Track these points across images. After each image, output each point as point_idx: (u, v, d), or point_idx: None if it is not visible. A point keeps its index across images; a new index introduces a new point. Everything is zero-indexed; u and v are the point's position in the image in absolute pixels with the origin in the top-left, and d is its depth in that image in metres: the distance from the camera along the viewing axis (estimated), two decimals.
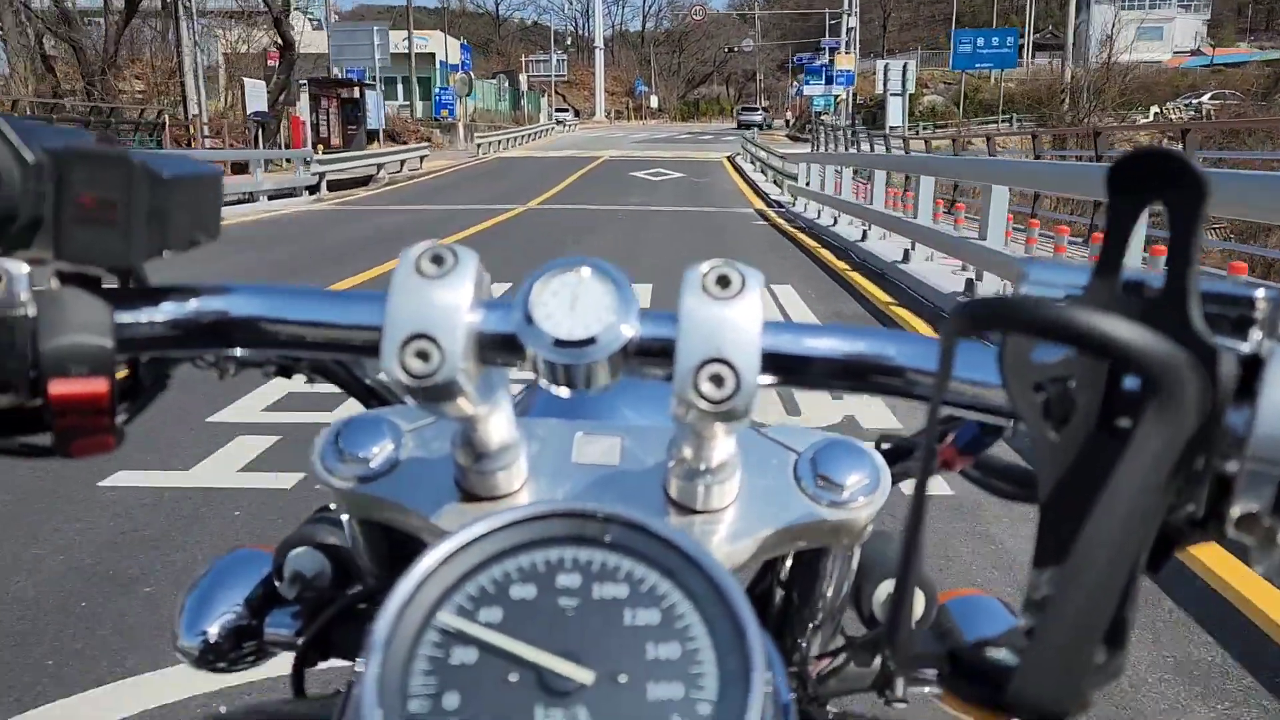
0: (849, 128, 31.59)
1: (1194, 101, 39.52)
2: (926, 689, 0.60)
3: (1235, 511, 0.32)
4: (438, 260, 0.40)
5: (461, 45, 46.52)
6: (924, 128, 37.78)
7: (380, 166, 22.25)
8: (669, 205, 16.74)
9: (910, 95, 36.48)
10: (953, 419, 0.53)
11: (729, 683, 0.37)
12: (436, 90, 40.89)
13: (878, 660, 0.62)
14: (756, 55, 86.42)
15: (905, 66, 36.11)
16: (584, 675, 0.37)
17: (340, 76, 30.19)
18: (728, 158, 32.70)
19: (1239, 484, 0.32)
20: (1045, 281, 0.39)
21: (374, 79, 32.12)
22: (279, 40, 24.57)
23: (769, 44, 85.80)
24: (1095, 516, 0.27)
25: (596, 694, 0.36)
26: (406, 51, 40.33)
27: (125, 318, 0.45)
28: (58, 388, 0.42)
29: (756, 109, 67.97)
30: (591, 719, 0.36)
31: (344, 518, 0.57)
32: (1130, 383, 0.34)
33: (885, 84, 36.30)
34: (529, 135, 43.60)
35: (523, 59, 56.64)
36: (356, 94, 29.84)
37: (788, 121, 59.63)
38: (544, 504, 0.42)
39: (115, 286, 0.46)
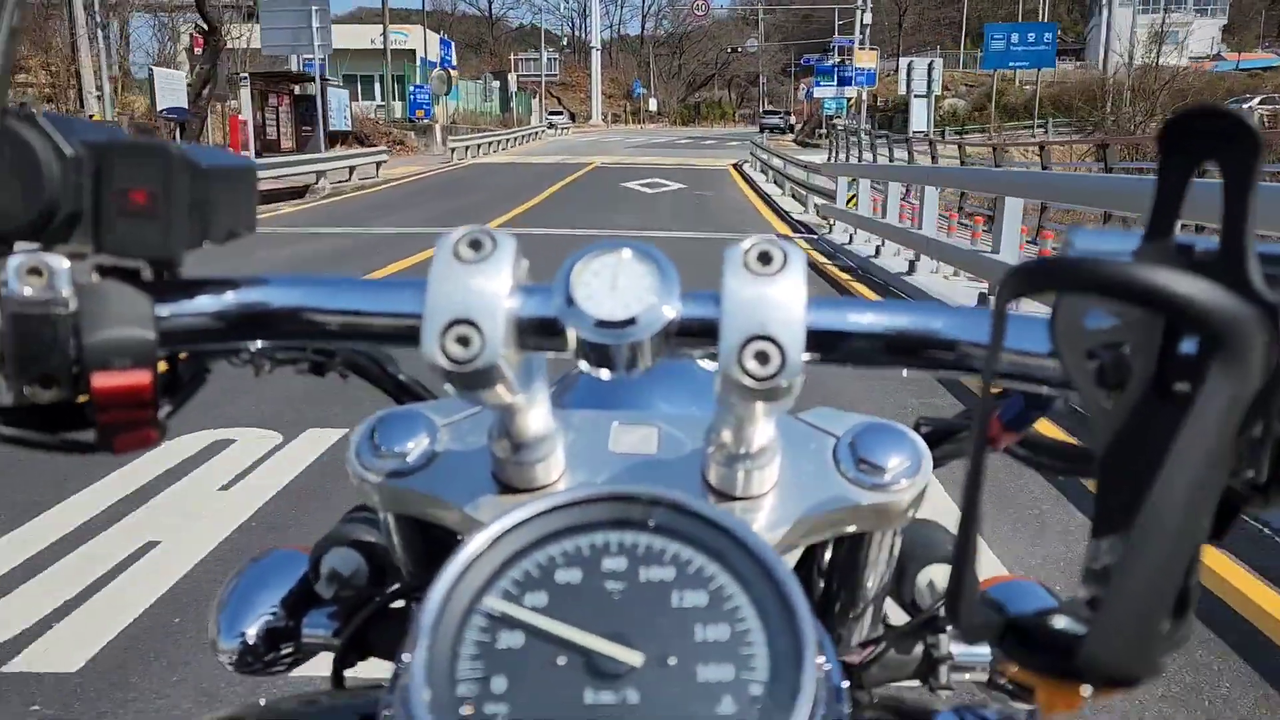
0: (867, 132, 28.19)
1: (1244, 107, 36.09)
2: (969, 676, 0.63)
3: None
4: (476, 245, 0.40)
5: (441, 40, 42.86)
6: (952, 132, 34.03)
7: (321, 175, 18.40)
8: (666, 228, 13.20)
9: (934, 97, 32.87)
10: (998, 396, 0.52)
11: (780, 663, 0.37)
12: (411, 89, 37.20)
13: (920, 648, 0.63)
14: (760, 57, 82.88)
15: (931, 65, 32.48)
16: (633, 657, 0.37)
17: (299, 70, 26.48)
18: (734, 166, 28.99)
19: None
20: (1092, 247, 0.38)
21: (338, 74, 28.43)
22: (203, 24, 20.81)
23: (772, 45, 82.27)
24: (1161, 481, 0.27)
25: (646, 676, 0.36)
26: (383, 47, 36.73)
27: (166, 310, 0.45)
28: (101, 380, 0.41)
29: (778, 112, 65.69)
30: (642, 701, 0.36)
31: (381, 514, 0.57)
32: (1187, 345, 0.33)
33: (909, 84, 32.65)
34: (515, 139, 39.86)
35: (511, 57, 52.96)
36: (313, 90, 26.19)
37: (791, 126, 56.09)
38: (587, 488, 0.42)
39: (154, 280, 0.46)
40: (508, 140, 37.67)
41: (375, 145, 31.96)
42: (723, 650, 0.37)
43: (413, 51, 41.96)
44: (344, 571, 0.63)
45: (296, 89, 26.43)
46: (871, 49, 42.36)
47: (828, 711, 0.38)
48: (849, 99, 43.96)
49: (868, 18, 41.23)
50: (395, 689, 0.40)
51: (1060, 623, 0.31)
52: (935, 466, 0.51)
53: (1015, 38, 32.16)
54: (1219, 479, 0.28)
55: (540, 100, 57.85)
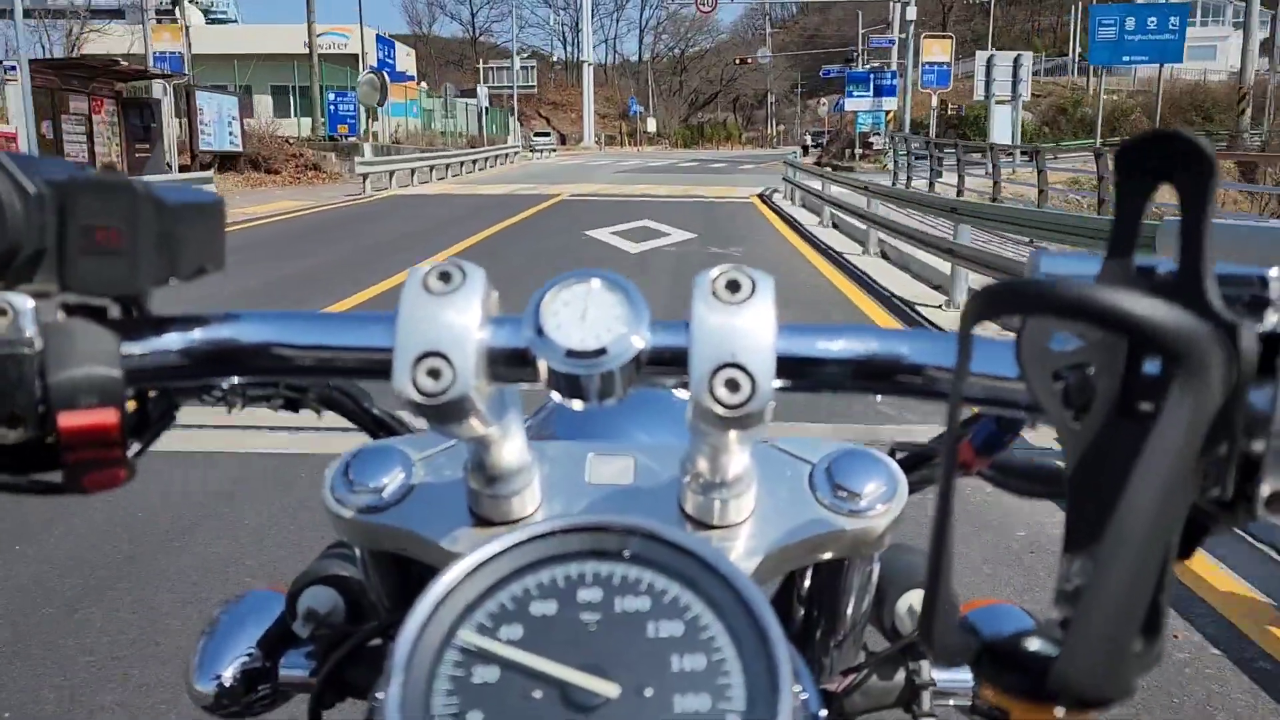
0: (935, 144, 20.52)
1: None
2: (952, 702, 0.63)
3: (1265, 490, 0.32)
4: (445, 277, 0.40)
5: (378, 38, 34.70)
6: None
7: None
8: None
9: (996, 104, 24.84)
10: (969, 420, 0.53)
11: (757, 692, 0.37)
12: (330, 99, 29.13)
13: (902, 674, 0.64)
14: (769, 74, 75.23)
15: (1018, 61, 24.46)
16: (609, 689, 0.37)
17: (129, 66, 18.28)
18: (759, 197, 20.67)
19: (1267, 462, 0.32)
20: (1057, 270, 0.39)
21: (262, 84, 20.45)
22: None
23: (780, 60, 74.57)
24: (1126, 499, 0.27)
25: (622, 708, 0.36)
26: (308, 50, 28.73)
27: (133, 348, 0.44)
28: (67, 420, 0.41)
29: (822, 131, 59.46)
30: None
31: (356, 551, 0.57)
32: (1150, 366, 0.33)
33: (987, 86, 24.66)
34: (474, 162, 31.61)
35: (480, 66, 44.97)
36: (156, 93, 18.10)
37: (805, 148, 48.39)
38: (561, 519, 0.42)
39: (121, 318, 0.45)
40: (463, 164, 29.36)
41: (279, 172, 23.71)
42: (699, 680, 0.37)
43: (355, 57, 33.98)
44: (321, 610, 0.63)
45: (123, 89, 18.27)
46: (945, 36, 34.19)
47: None
48: (887, 112, 36.03)
49: (911, 10, 33.21)
50: None
51: (1034, 645, 0.31)
52: (912, 491, 0.52)
53: (1131, 22, 23.90)
54: (1184, 497, 0.28)
55: (516, 115, 49.81)
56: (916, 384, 0.44)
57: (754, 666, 0.37)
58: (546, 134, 62.62)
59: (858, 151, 37.59)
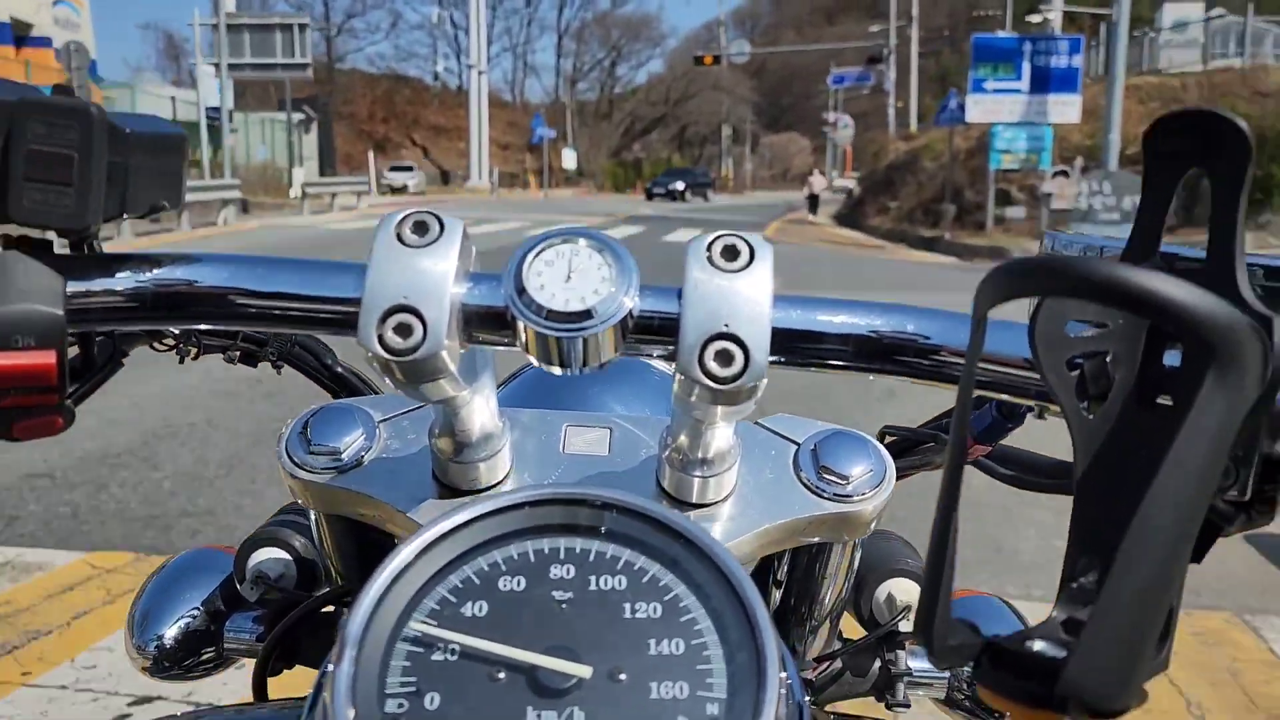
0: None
1: None
2: (922, 693, 0.62)
3: None
4: (421, 227, 0.38)
5: None
6: None
7: None
8: None
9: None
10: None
11: (740, 680, 0.35)
12: None
13: (877, 664, 0.63)
14: (725, 103, 55.92)
15: None
16: (580, 670, 0.35)
17: None
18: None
19: None
20: (1075, 250, 0.37)
21: None
22: None
23: (738, 76, 55.39)
24: (1149, 499, 0.26)
25: (593, 692, 0.34)
26: None
27: (78, 286, 0.41)
28: (1, 360, 0.38)
29: (691, 171, 45.44)
30: (589, 719, 0.34)
31: (311, 514, 0.54)
32: (1170, 358, 0.33)
33: None
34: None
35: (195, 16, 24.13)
36: None
37: (813, 198, 29.16)
38: (533, 489, 0.40)
39: (67, 254, 0.43)
40: None
41: None
42: (678, 665, 0.35)
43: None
44: (271, 574, 0.60)
45: None
46: None
47: None
48: (1053, 126, 16.45)
49: None
50: (317, 703, 0.38)
51: (1039, 646, 0.29)
52: (899, 477, 0.50)
53: None
54: (1208, 496, 0.27)
55: (288, 124, 28.43)
56: (922, 365, 0.43)
57: (738, 653, 0.35)
58: (408, 168, 42.12)
59: (992, 213, 17.68)
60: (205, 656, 0.63)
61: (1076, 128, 17.41)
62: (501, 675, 0.34)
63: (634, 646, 0.35)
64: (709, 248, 0.38)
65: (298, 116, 29.89)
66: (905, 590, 0.64)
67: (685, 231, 20.25)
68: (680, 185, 41.33)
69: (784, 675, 0.36)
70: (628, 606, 0.36)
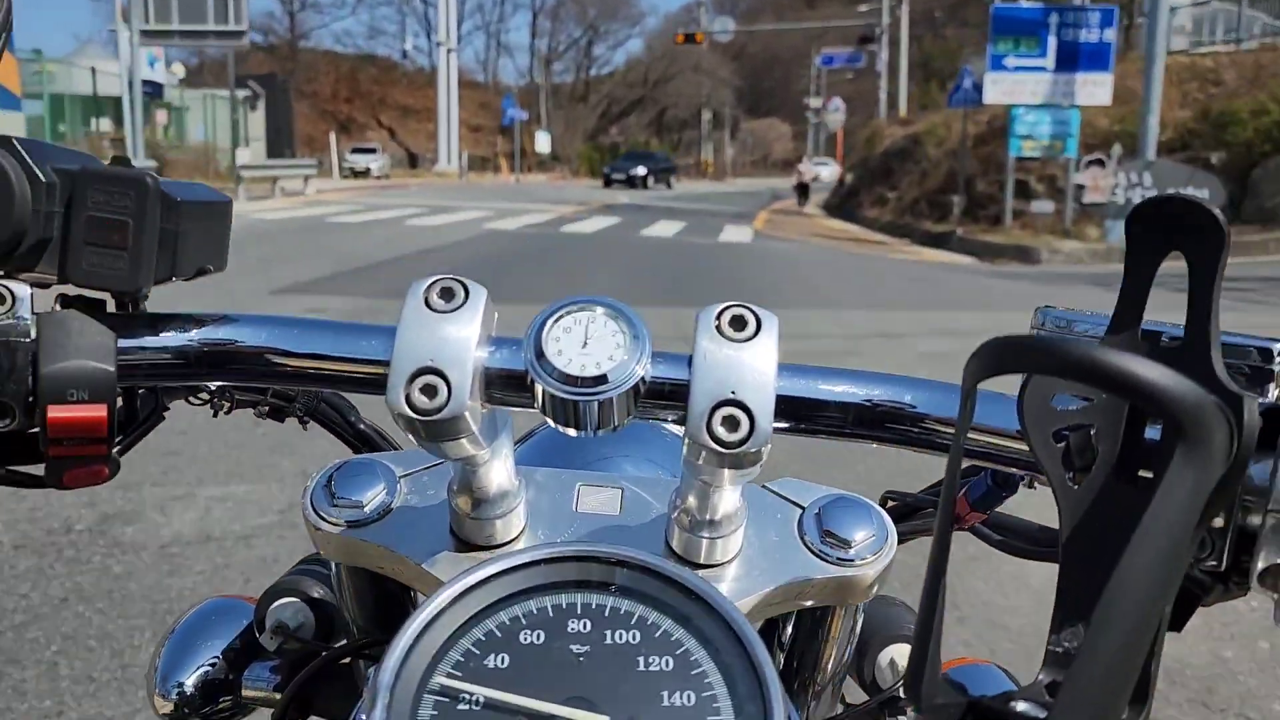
0: None
1: None
2: None
3: (1260, 564, 0.33)
4: (448, 294, 0.40)
5: None
6: None
7: None
8: None
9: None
10: (965, 473, 0.53)
11: None
12: None
13: None
14: (705, 84, 53.94)
15: None
16: None
17: None
18: None
19: (1263, 535, 0.33)
20: (1062, 326, 0.40)
21: None
22: None
23: (719, 58, 53.37)
24: (1122, 566, 0.27)
25: None
26: None
27: (129, 344, 0.44)
28: (57, 413, 0.40)
29: (651, 155, 41.57)
30: None
31: (333, 566, 0.55)
32: (1151, 432, 0.34)
33: None
34: None
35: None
36: None
37: (803, 186, 27.41)
38: (552, 546, 0.42)
39: (118, 312, 0.45)
40: None
41: None
42: (690, 716, 0.37)
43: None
44: (290, 624, 0.61)
45: None
46: None
47: None
48: (1079, 108, 14.59)
49: None
50: None
51: (1021, 706, 0.30)
52: (901, 541, 0.51)
53: None
54: (1180, 566, 0.28)
55: (231, 100, 26.06)
56: (915, 434, 0.45)
57: (746, 705, 0.37)
58: (371, 149, 39.80)
59: (1010, 208, 15.79)
60: (222, 705, 0.64)
61: (1103, 111, 15.54)
62: None
63: (648, 698, 0.37)
64: (718, 318, 0.40)
65: (242, 93, 27.53)
66: (908, 656, 0.54)
67: (666, 224, 18.15)
68: (642, 170, 37.65)
69: None
70: (641, 660, 0.38)
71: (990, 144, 17.47)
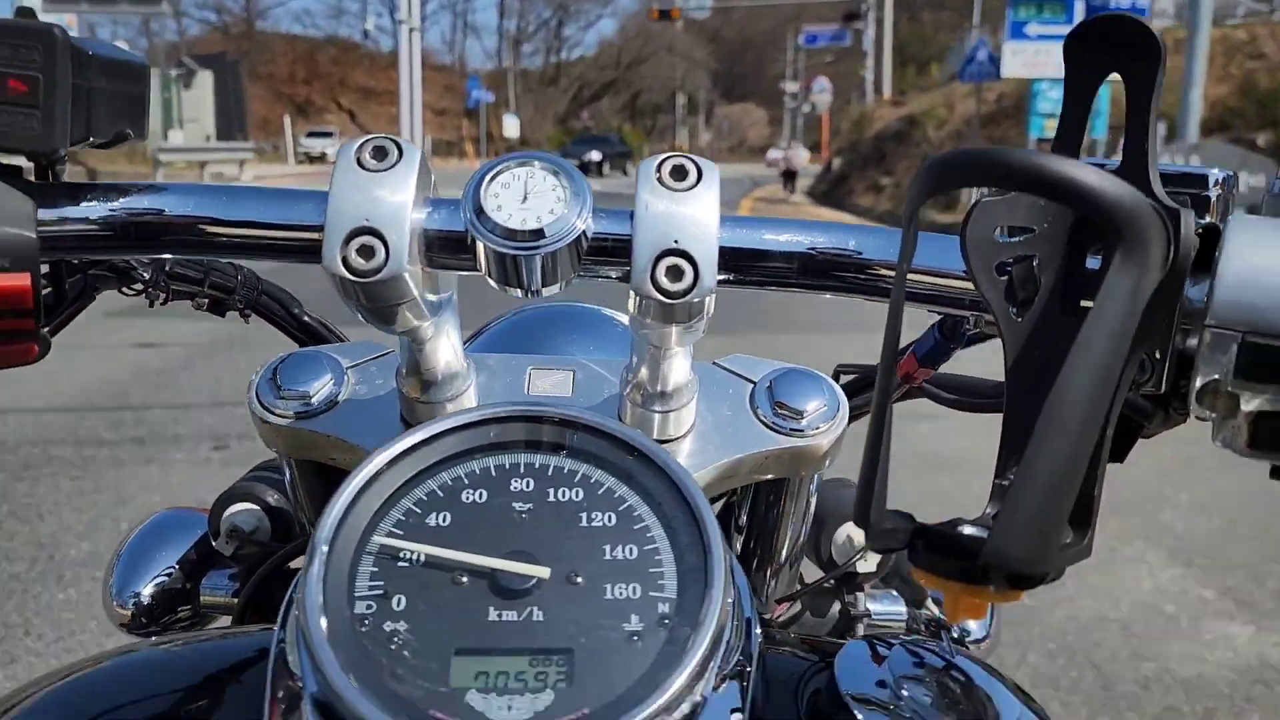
0: None
1: None
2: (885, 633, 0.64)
3: (1198, 381, 0.33)
4: (380, 153, 0.39)
5: None
6: None
7: None
8: None
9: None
10: (909, 347, 0.55)
11: (688, 580, 0.37)
12: None
13: (837, 606, 0.66)
14: (680, 67, 52.10)
15: None
16: (539, 571, 0.37)
17: None
18: None
19: (1200, 353, 0.33)
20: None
21: None
22: None
23: (695, 40, 51.50)
24: (1062, 378, 0.27)
25: (551, 592, 0.37)
26: None
27: (49, 214, 0.42)
28: None
29: (606, 138, 40.36)
30: (547, 617, 0.36)
31: (282, 461, 0.55)
32: (1092, 263, 0.35)
33: None
34: None
35: None
36: None
37: (790, 174, 25.85)
38: (496, 406, 0.42)
39: (36, 180, 0.43)
40: None
41: None
42: (631, 568, 0.37)
43: None
44: (245, 527, 0.61)
45: None
46: None
47: (735, 633, 0.38)
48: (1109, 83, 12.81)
49: None
50: (289, 618, 0.39)
51: (968, 530, 0.31)
52: (854, 415, 0.51)
53: None
54: (1115, 378, 0.28)
55: (163, 77, 24.00)
56: (862, 281, 0.44)
57: (686, 556, 0.38)
58: (327, 133, 37.71)
59: None
60: (182, 614, 0.64)
61: None
62: (464, 579, 0.36)
63: (590, 552, 0.37)
64: (658, 169, 0.40)
65: (175, 71, 25.37)
66: (862, 533, 0.60)
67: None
68: (596, 156, 34.92)
69: (734, 583, 0.38)
70: (584, 516, 0.39)
71: (1001, 124, 15.87)
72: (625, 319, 0.52)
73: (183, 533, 0.65)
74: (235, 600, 0.60)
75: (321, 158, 34.18)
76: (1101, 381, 0.27)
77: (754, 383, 0.50)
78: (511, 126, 47.13)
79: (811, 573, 0.67)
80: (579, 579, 0.37)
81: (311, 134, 37.47)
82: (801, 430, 0.48)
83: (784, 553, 0.59)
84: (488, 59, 61.51)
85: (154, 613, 0.63)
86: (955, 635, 0.76)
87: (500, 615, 0.36)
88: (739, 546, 0.60)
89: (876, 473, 0.31)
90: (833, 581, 0.66)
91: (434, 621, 0.35)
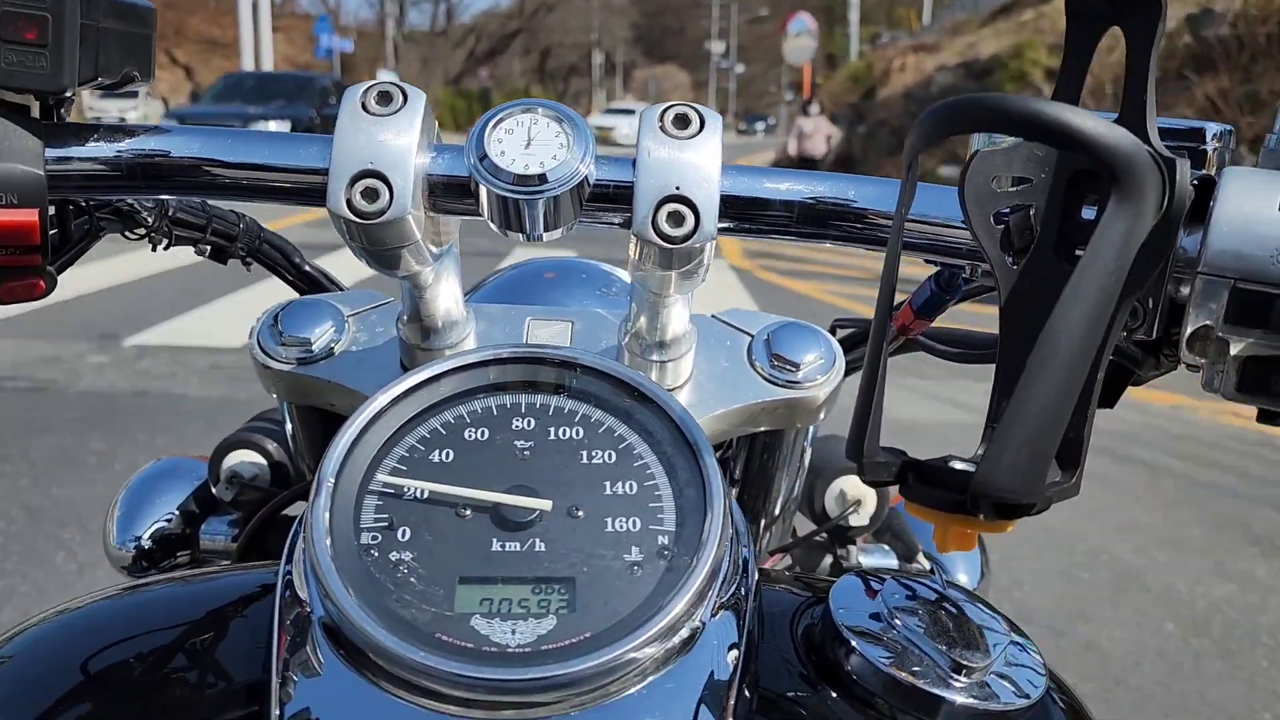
0: None
1: None
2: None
3: (1189, 328, 0.34)
4: (385, 98, 0.40)
5: None
6: None
7: None
8: None
9: None
10: (903, 302, 0.55)
11: (687, 512, 0.39)
12: None
13: (828, 559, 0.69)
14: (601, 20, 43.83)
15: None
16: (541, 504, 0.38)
17: None
18: None
19: (1192, 300, 0.34)
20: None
21: None
22: None
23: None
24: (1055, 315, 0.28)
25: (553, 525, 0.38)
26: None
27: (56, 153, 0.43)
28: None
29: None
30: (549, 549, 0.37)
31: (282, 406, 0.56)
32: (1088, 213, 0.36)
33: None
34: None
35: None
36: None
37: (810, 164, 17.85)
38: (498, 347, 0.43)
39: (43, 120, 0.44)
40: None
41: None
42: (631, 503, 0.39)
43: None
44: (244, 474, 0.63)
45: None
46: None
47: (732, 566, 0.39)
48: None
49: None
50: (294, 551, 0.40)
51: (957, 464, 0.32)
52: (851, 369, 0.52)
53: None
54: (1107, 319, 0.29)
55: None
56: (860, 230, 0.45)
57: (685, 491, 0.39)
58: (131, 94, 28.20)
59: None
60: (181, 559, 0.66)
61: None
62: (468, 512, 0.38)
63: (590, 487, 0.39)
64: (661, 116, 0.40)
65: None
66: (856, 487, 0.68)
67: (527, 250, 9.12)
68: None
69: (733, 522, 0.40)
70: (585, 453, 0.40)
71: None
72: (625, 275, 0.53)
73: (182, 480, 0.67)
74: (234, 545, 0.61)
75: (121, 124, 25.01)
76: (1093, 321, 0.28)
77: (752, 335, 0.51)
78: None
79: (805, 528, 0.69)
80: (580, 512, 0.38)
81: (104, 95, 28.12)
82: (798, 382, 0.49)
83: (778, 505, 0.61)
84: (369, 7, 51.93)
85: (154, 557, 0.64)
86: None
87: (504, 546, 0.37)
88: (736, 498, 0.60)
89: (871, 409, 0.32)
90: (825, 535, 0.69)
91: (438, 551, 0.36)
